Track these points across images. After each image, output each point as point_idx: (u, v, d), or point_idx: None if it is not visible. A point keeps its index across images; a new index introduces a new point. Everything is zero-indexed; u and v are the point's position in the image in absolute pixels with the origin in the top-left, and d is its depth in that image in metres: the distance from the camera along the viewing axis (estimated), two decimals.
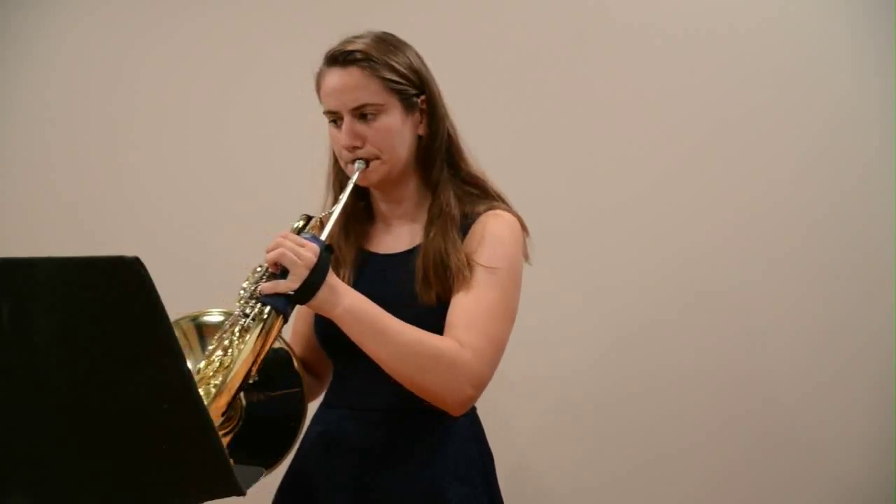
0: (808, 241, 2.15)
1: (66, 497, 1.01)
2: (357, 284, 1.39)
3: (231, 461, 1.29)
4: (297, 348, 1.52)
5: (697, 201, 2.20)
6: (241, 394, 1.29)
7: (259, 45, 2.44)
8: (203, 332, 1.37)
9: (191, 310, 1.39)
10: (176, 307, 1.00)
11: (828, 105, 2.15)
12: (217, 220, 2.45)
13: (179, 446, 0.98)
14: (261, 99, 2.44)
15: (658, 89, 2.21)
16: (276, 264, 1.23)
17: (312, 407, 1.49)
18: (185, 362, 0.97)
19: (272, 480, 1.44)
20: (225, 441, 1.31)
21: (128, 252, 0.92)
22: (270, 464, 1.38)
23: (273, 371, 1.36)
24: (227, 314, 1.32)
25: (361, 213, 1.51)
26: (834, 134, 2.14)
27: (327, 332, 1.38)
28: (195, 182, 2.48)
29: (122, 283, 0.92)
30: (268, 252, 1.24)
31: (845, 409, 2.12)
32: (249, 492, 1.29)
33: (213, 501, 1.06)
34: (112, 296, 0.93)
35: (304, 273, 1.22)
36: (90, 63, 2.55)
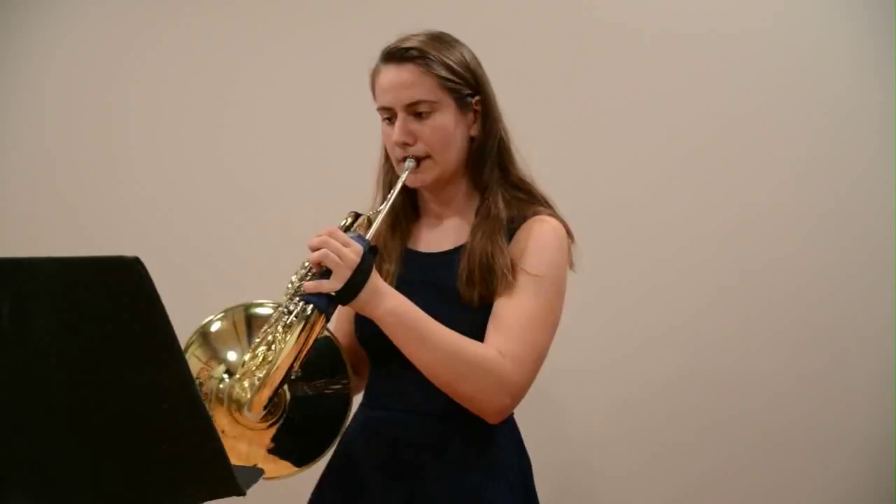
0: (809, 240, 2.15)
1: (66, 497, 1.01)
2: (400, 281, 1.39)
3: (277, 455, 1.33)
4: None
5: (698, 202, 2.20)
6: (286, 387, 1.31)
7: (256, 45, 2.44)
8: (252, 323, 1.38)
9: (185, 311, 1.39)
10: (176, 307, 0.99)
11: (828, 105, 2.15)
12: (216, 219, 2.45)
13: (179, 446, 0.97)
14: (259, 99, 2.44)
15: (659, 91, 2.22)
16: (318, 264, 1.23)
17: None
18: (185, 362, 0.97)
19: (310, 476, 1.45)
20: (269, 433, 1.33)
21: (127, 252, 0.92)
22: (312, 457, 1.39)
23: (321, 365, 1.37)
24: (278, 307, 1.33)
25: (409, 210, 1.50)
26: (834, 134, 2.15)
27: (369, 332, 1.38)
28: (194, 182, 2.48)
29: (123, 283, 0.92)
30: (311, 250, 1.24)
31: (845, 409, 2.13)
32: (261, 489, 1.31)
33: (215, 502, 1.06)
34: (112, 296, 0.93)
35: (347, 274, 1.22)
36: (88, 63, 2.55)
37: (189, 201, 2.48)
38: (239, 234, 2.43)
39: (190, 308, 1.39)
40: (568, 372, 2.23)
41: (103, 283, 0.93)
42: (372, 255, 1.28)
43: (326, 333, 1.39)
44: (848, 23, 2.16)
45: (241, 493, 1.02)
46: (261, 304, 1.40)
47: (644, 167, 2.22)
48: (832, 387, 2.14)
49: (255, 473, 1.24)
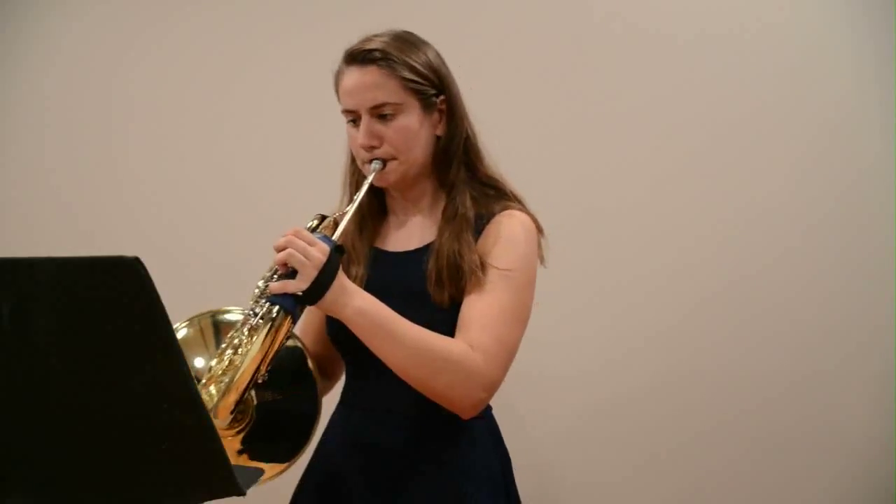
0: (808, 240, 2.15)
1: (66, 497, 1.01)
2: (370, 281, 1.39)
3: (248, 459, 1.31)
4: (308, 344, 1.49)
5: (698, 202, 2.20)
6: (254, 392, 1.29)
7: (256, 45, 2.44)
8: (220, 329, 1.37)
9: (185, 310, 1.39)
10: (175, 307, 0.99)
11: (828, 105, 2.15)
12: (215, 219, 2.45)
13: (179, 446, 0.97)
14: (258, 99, 2.44)
15: (659, 91, 2.22)
16: (284, 264, 1.22)
17: (327, 404, 1.47)
18: (185, 362, 0.97)
19: (289, 479, 1.44)
20: (237, 439, 1.31)
21: (127, 252, 0.92)
22: (284, 461, 1.37)
23: (287, 369, 1.35)
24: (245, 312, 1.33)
25: (375, 210, 1.50)
26: (834, 134, 2.15)
27: (342, 331, 1.37)
28: (194, 182, 2.48)
29: (122, 283, 0.92)
30: (276, 251, 1.23)
31: (845, 409, 2.13)
32: (266, 488, 1.30)
33: (214, 502, 1.06)
34: (112, 296, 0.93)
35: (313, 274, 1.20)
36: (88, 63, 2.55)
37: (189, 201, 2.48)
38: (239, 233, 2.43)
39: (190, 308, 1.39)
40: (563, 372, 2.24)
41: (103, 283, 0.93)
42: (339, 254, 1.26)
43: (294, 342, 1.37)
44: (848, 23, 2.16)
45: (241, 493, 1.02)
46: (228, 311, 1.39)
47: (643, 169, 2.22)
48: (832, 387, 2.13)
49: (255, 473, 1.23)
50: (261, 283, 1.26)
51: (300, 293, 1.21)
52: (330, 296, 1.23)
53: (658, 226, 2.22)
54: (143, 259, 0.91)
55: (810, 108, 2.16)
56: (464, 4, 2.30)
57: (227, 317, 1.39)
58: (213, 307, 1.40)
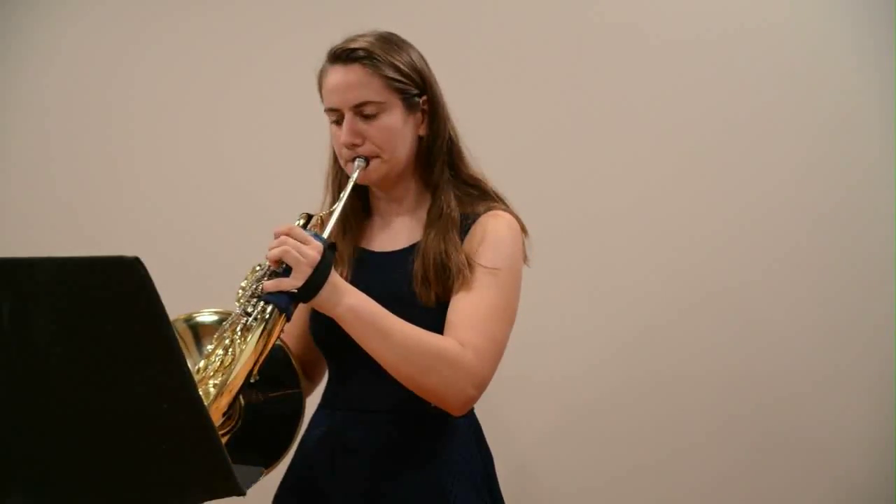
0: (809, 241, 2.15)
1: (66, 497, 1.01)
2: (354, 282, 1.38)
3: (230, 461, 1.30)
4: (290, 346, 1.49)
5: (699, 203, 2.20)
6: (240, 395, 1.28)
7: (256, 45, 2.44)
8: (199, 332, 1.36)
9: (186, 311, 1.38)
10: (175, 307, 0.99)
11: (829, 106, 2.15)
12: (216, 220, 2.45)
13: (179, 446, 0.97)
14: (258, 99, 2.45)
15: (659, 92, 2.22)
16: (278, 262, 1.22)
17: (308, 407, 1.47)
18: (185, 362, 0.96)
19: (270, 481, 1.43)
20: (223, 441, 1.30)
21: (127, 252, 0.92)
22: (268, 464, 1.37)
23: (272, 371, 1.35)
24: (223, 314, 1.32)
25: (359, 210, 1.50)
26: (835, 135, 2.15)
27: (326, 333, 1.37)
28: (194, 183, 2.48)
29: (122, 283, 0.92)
30: (270, 248, 1.23)
31: (846, 409, 2.12)
32: (249, 492, 1.29)
33: (214, 501, 1.06)
34: (112, 296, 0.93)
35: (308, 271, 1.21)
36: (88, 63, 2.55)
37: (189, 201, 2.48)
38: (239, 233, 2.42)
39: (190, 308, 1.39)
40: (563, 373, 2.24)
41: (103, 283, 0.93)
42: (331, 251, 1.26)
43: (278, 342, 1.36)
44: (848, 23, 2.16)
45: (241, 493, 1.02)
46: (202, 313, 1.38)
47: (640, 170, 2.22)
48: (831, 389, 2.13)
49: (254, 473, 1.23)
50: (244, 284, 1.26)
51: (295, 290, 1.21)
52: (323, 293, 1.23)
53: (655, 228, 2.21)
54: (143, 259, 0.91)
55: (810, 109, 2.15)
56: (465, 7, 2.30)
57: (203, 319, 1.38)
58: (185, 312, 1.38)
